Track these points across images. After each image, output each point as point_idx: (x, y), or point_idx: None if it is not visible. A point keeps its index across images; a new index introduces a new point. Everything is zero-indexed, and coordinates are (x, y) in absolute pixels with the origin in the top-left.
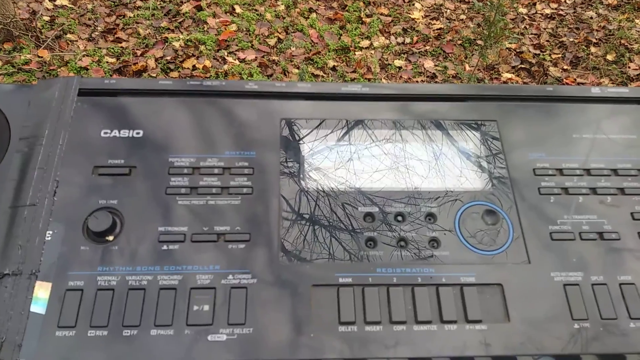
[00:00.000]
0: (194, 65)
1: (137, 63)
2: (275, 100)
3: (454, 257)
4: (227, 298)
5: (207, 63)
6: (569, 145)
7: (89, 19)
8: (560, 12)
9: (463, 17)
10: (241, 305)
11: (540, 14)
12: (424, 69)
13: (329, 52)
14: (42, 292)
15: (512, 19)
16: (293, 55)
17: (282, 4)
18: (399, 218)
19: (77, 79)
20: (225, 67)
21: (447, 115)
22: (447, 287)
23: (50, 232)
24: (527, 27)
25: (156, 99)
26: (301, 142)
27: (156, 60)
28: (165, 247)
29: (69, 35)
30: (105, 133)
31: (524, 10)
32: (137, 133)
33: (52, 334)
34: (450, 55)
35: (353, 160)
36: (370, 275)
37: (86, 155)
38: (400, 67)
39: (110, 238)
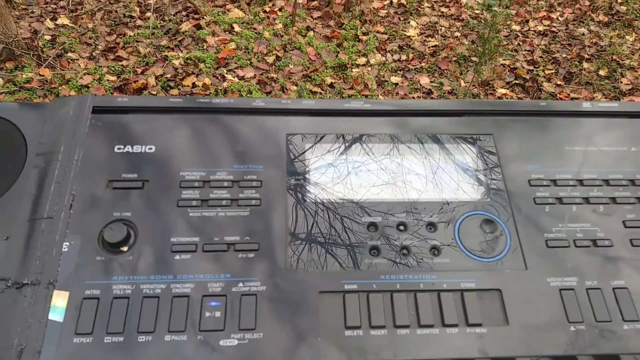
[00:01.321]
0: (193, 83)
1: (137, 81)
2: (281, 117)
3: (455, 264)
4: (237, 305)
5: (207, 80)
6: (562, 157)
7: (90, 38)
8: (553, 29)
9: (457, 34)
10: (251, 312)
11: (533, 30)
12: (420, 85)
13: (327, 69)
14: (59, 300)
15: (506, 36)
16: (291, 73)
17: (280, 23)
18: (401, 227)
19: (91, 97)
20: (225, 84)
21: (446, 130)
22: (448, 293)
23: (67, 244)
24: (521, 43)
25: (167, 116)
26: (306, 155)
27: (156, 78)
28: (177, 257)
29: (70, 54)
30: (119, 149)
31: (517, 27)
32: (150, 148)
33: (69, 341)
34: (445, 71)
35: (356, 173)
36: (375, 282)
37: (100, 170)
38: (396, 84)
39: (125, 249)
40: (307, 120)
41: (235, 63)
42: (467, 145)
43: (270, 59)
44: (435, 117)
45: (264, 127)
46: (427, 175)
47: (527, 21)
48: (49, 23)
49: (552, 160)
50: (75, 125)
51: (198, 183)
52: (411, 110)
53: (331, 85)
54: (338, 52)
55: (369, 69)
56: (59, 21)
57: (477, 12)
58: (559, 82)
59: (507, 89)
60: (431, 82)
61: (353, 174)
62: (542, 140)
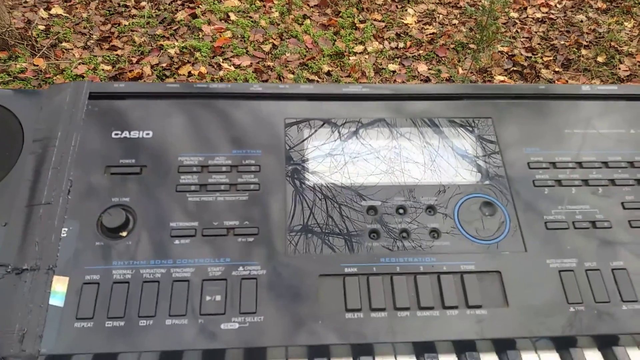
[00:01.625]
0: (189, 72)
1: (132, 70)
2: (279, 102)
3: (454, 247)
4: (238, 289)
5: (203, 69)
6: (561, 140)
7: (84, 27)
8: (551, 16)
9: (455, 21)
10: (252, 295)
11: (532, 18)
12: (418, 72)
13: (324, 57)
14: (59, 286)
15: (504, 23)
16: (288, 61)
17: (276, 11)
18: (401, 211)
19: (88, 83)
20: (221, 73)
21: (444, 114)
22: (448, 275)
23: (66, 229)
24: (519, 30)
25: (164, 101)
26: (305, 140)
27: (152, 67)
28: (177, 242)
29: (64, 44)
30: (116, 134)
31: (515, 15)
32: (147, 134)
33: (70, 325)
34: (443, 59)
35: (354, 158)
36: (375, 265)
37: (98, 156)
38: (394, 71)
39: (124, 234)
40: (305, 105)
41: (232, 52)
42: (466, 129)
43: (267, 48)
44: (433, 102)
45: (262, 112)
46: (426, 159)
47: (525, 8)
48: (43, 13)
49: (551, 143)
50: (72, 111)
51: (196, 168)
52: (409, 94)
53: (328, 73)
54: (335, 40)
55: (366, 56)
56: (53, 11)
57: None
58: (557, 69)
59: (505, 76)
60: (429, 69)
61: (351, 158)
62: (541, 123)
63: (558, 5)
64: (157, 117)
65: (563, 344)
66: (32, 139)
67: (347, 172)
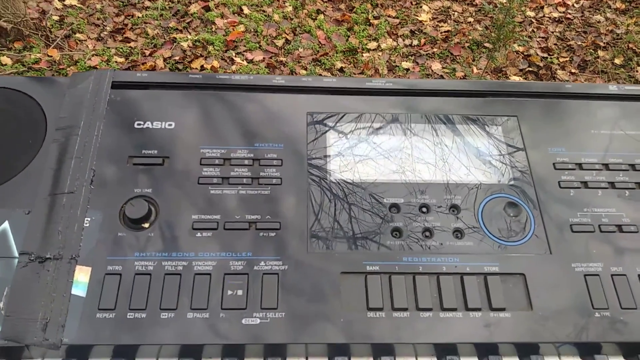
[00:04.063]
0: (202, 66)
1: (145, 63)
2: (302, 95)
3: (478, 248)
4: (259, 284)
5: (215, 63)
6: (587, 140)
7: (98, 19)
8: (568, 16)
9: (471, 19)
10: (273, 291)
11: (548, 17)
12: (432, 71)
13: (337, 53)
14: (82, 276)
15: (520, 22)
16: (301, 57)
17: (289, 6)
18: (424, 209)
19: (110, 72)
20: (233, 67)
21: (469, 111)
22: (472, 276)
23: (89, 219)
24: (535, 30)
25: (186, 92)
26: (327, 134)
27: (164, 60)
28: (199, 235)
29: (78, 35)
30: (139, 124)
31: (531, 14)
32: (169, 125)
33: (92, 316)
34: (458, 57)
35: (378, 153)
36: (397, 264)
37: (121, 146)
38: (407, 69)
39: (146, 225)
40: (328, 98)
41: (244, 46)
42: (491, 126)
43: (280, 42)
44: (458, 98)
45: (284, 105)
46: (450, 157)
47: (542, 7)
48: (57, 3)
49: (577, 143)
50: (95, 100)
51: (219, 161)
52: (434, 90)
53: (341, 70)
54: (348, 36)
55: (380, 53)
56: (67, 2)
57: None
58: (573, 70)
59: (521, 76)
60: (443, 68)
61: (375, 153)
62: (567, 123)
63: (575, 5)
64: (180, 108)
65: (587, 350)
66: (55, 127)
67: (370, 168)
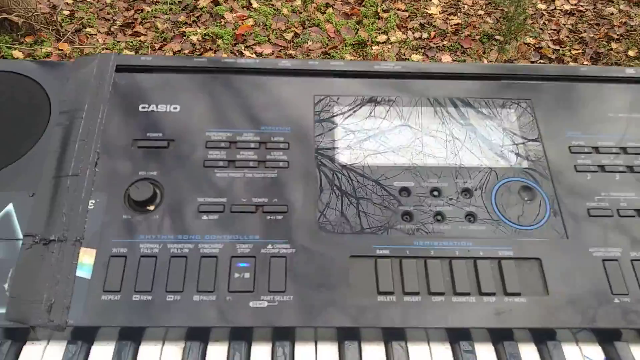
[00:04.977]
0: None
1: None
2: (309, 78)
3: (491, 232)
4: (267, 266)
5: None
6: (604, 124)
7: (108, 13)
8: (580, 8)
9: (481, 12)
10: (281, 274)
11: (560, 9)
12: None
13: (346, 46)
14: (87, 258)
15: (531, 15)
16: (310, 50)
17: None
18: (435, 193)
19: (115, 56)
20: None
21: (482, 94)
22: (485, 261)
23: (93, 202)
24: (546, 22)
25: (191, 75)
26: (335, 118)
27: (174, 53)
28: (205, 217)
29: (88, 29)
30: (143, 107)
31: (543, 6)
32: (174, 108)
33: (97, 298)
34: (468, 50)
35: (387, 137)
36: (408, 248)
37: (125, 129)
38: (417, 62)
39: (151, 208)
40: (335, 81)
41: (253, 39)
42: (505, 109)
43: (289, 36)
44: (470, 81)
45: (291, 88)
46: (463, 140)
47: (553, 0)
48: None
49: (594, 127)
50: (99, 83)
51: (224, 143)
52: (445, 73)
53: None
54: (357, 30)
55: (389, 46)
56: None
57: None
58: (585, 63)
59: None
60: (453, 60)
61: (383, 137)
62: (583, 106)
63: None
64: (185, 91)
65: (606, 336)
66: (58, 110)
67: (379, 152)
